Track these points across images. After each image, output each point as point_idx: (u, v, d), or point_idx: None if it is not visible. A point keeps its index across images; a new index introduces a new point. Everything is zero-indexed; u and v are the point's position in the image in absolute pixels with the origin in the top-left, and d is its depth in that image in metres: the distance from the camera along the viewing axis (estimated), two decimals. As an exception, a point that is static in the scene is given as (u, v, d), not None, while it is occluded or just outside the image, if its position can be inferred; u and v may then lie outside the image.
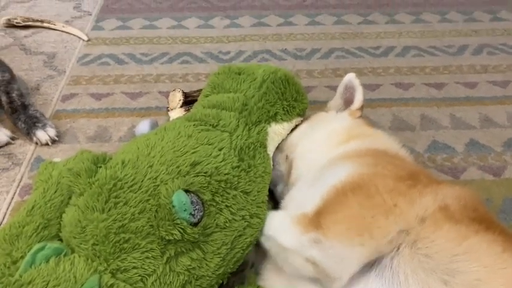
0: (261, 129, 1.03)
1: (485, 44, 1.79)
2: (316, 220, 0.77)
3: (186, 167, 0.85)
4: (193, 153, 0.88)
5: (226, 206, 0.86)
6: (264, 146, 1.02)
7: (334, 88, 1.54)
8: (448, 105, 1.47)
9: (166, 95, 1.47)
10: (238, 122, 0.99)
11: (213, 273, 0.83)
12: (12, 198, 1.15)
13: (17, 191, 1.16)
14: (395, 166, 0.86)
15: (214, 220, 0.83)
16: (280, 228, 0.85)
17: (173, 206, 0.78)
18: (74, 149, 1.28)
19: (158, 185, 0.81)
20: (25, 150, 1.28)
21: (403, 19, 1.97)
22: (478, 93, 1.53)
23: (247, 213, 0.88)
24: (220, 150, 0.91)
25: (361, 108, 1.10)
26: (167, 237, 0.77)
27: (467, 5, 2.08)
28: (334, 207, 0.78)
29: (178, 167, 0.84)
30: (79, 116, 1.41)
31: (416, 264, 0.69)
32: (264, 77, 1.10)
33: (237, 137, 0.96)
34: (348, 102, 1.13)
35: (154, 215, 0.78)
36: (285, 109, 1.10)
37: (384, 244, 0.72)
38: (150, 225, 0.78)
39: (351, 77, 1.13)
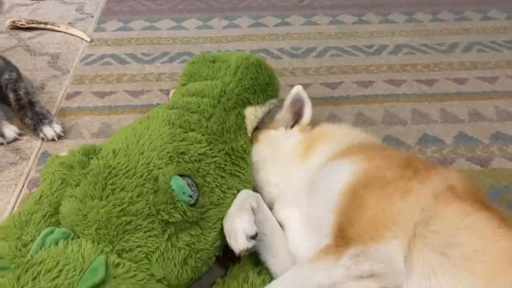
0: (238, 113, 1.10)
1: (475, 41, 1.85)
2: (343, 236, 0.76)
3: (176, 154, 0.91)
4: (180, 140, 0.94)
5: (217, 185, 0.93)
6: (243, 128, 1.10)
7: (329, 85, 1.61)
8: (439, 101, 1.53)
9: (167, 92, 1.53)
10: (218, 107, 1.06)
11: (210, 246, 0.90)
12: (21, 190, 1.20)
13: (25, 184, 1.22)
14: (389, 156, 0.91)
15: (209, 198, 0.90)
16: (319, 277, 0.75)
17: (173, 190, 0.84)
18: (78, 144, 1.31)
19: (152, 170, 0.87)
20: (32, 145, 1.34)
21: (396, 19, 2.03)
22: (467, 88, 1.59)
23: (237, 190, 0.96)
24: (203, 135, 0.98)
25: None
26: (170, 220, 0.83)
27: (459, 5, 2.14)
28: (354, 214, 0.78)
29: (168, 152, 0.91)
30: (83, 113, 1.47)
31: (422, 241, 0.74)
32: (238, 63, 1.17)
33: (217, 120, 1.03)
34: (296, 115, 1.15)
35: (153, 198, 0.84)
36: (259, 92, 1.17)
37: (413, 225, 0.75)
38: (148, 207, 0.84)
39: (298, 90, 1.15)
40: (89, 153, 0.96)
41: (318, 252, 0.78)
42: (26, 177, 1.24)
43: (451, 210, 0.76)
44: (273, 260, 0.92)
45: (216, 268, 0.97)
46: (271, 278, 0.90)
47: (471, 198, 0.80)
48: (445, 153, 1.32)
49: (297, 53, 1.79)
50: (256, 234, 0.85)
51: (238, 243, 0.85)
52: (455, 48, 1.81)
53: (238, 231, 0.85)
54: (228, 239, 0.89)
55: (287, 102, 1.16)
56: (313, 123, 1.16)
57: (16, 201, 1.17)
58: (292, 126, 1.15)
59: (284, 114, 1.16)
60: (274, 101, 1.23)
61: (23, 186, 1.21)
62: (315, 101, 1.47)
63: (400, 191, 0.78)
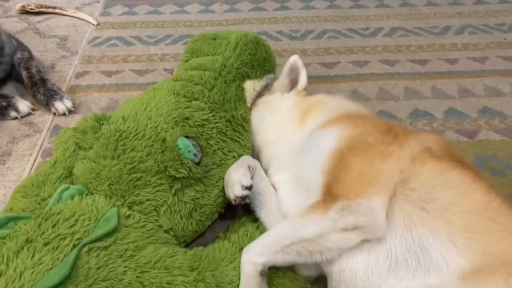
0: (238, 86, 1.18)
1: (468, 24, 1.92)
2: (330, 193, 0.83)
3: (181, 119, 0.99)
4: (185, 108, 1.02)
5: (219, 148, 1.02)
6: (242, 99, 1.18)
7: (326, 65, 1.68)
8: (430, 79, 1.60)
9: (171, 71, 1.60)
10: (219, 79, 1.14)
11: (213, 202, 0.98)
12: (35, 159, 1.28)
13: (39, 154, 1.30)
14: (372, 123, 0.99)
15: (211, 159, 0.99)
16: (308, 228, 0.82)
17: (179, 149, 0.92)
18: (88, 118, 1.41)
19: (159, 133, 0.96)
20: (44, 119, 1.41)
21: (392, 3, 2.10)
22: (458, 68, 1.66)
23: (237, 154, 1.05)
24: (206, 104, 1.06)
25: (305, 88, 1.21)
26: (177, 176, 0.91)
27: (453, -10, 2.21)
28: (340, 174, 0.85)
29: (174, 118, 0.99)
30: (92, 90, 1.54)
31: (403, 198, 0.80)
32: (237, 40, 1.25)
33: (219, 91, 1.11)
34: (293, 82, 1.23)
35: (161, 157, 0.92)
36: (257, 67, 1.25)
37: (393, 184, 0.81)
38: (157, 165, 0.92)
39: (295, 59, 1.23)
40: (100, 119, 1.04)
41: (307, 207, 0.85)
42: (40, 148, 1.32)
43: (427, 168, 0.83)
44: (265, 214, 1.00)
45: (218, 225, 1.05)
46: (268, 231, 0.98)
47: (447, 157, 0.87)
48: (435, 126, 1.40)
49: (296, 36, 1.86)
50: (251, 186, 0.94)
51: (234, 190, 0.93)
52: (448, 31, 1.88)
53: (234, 181, 0.94)
54: (226, 190, 0.97)
55: (285, 70, 1.24)
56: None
57: (31, 168, 1.25)
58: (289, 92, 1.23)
59: (281, 80, 1.24)
60: (271, 76, 1.30)
61: (37, 155, 1.29)
62: (313, 79, 1.55)
63: (381, 154, 0.85)
